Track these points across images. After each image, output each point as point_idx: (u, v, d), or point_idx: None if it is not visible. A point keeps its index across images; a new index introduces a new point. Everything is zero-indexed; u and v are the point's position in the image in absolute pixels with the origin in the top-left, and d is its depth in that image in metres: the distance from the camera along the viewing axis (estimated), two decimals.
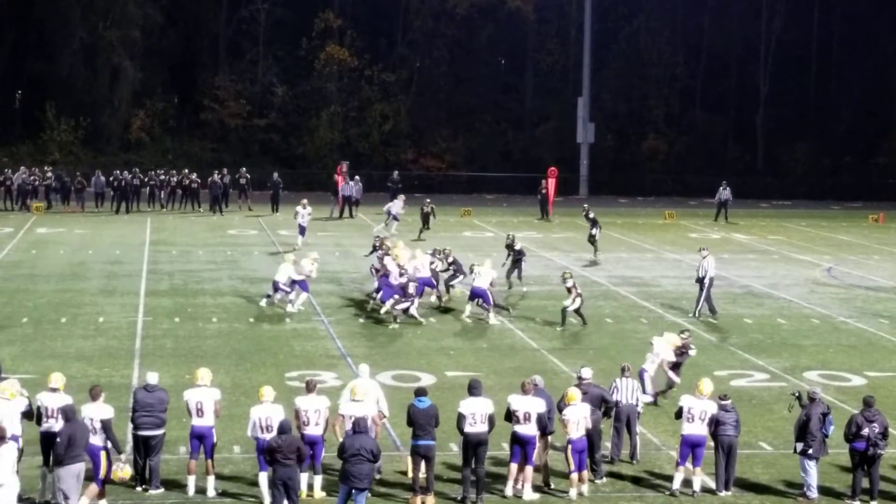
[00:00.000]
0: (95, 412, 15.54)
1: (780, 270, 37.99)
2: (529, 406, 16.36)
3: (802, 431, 16.62)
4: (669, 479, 16.98)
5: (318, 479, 16.23)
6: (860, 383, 23.20)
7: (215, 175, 49.96)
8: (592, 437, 16.88)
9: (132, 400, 17.06)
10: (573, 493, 16.44)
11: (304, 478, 15.84)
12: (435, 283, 29.67)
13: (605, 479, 17.19)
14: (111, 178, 49.42)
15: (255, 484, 16.10)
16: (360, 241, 39.69)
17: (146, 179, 50.44)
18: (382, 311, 27.68)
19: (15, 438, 15.20)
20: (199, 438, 16.18)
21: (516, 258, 32.19)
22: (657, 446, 18.91)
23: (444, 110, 69.90)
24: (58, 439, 14.86)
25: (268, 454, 15.11)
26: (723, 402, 16.90)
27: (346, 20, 68.09)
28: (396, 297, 27.43)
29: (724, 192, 52.48)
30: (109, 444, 15.54)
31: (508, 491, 16.45)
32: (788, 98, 70.93)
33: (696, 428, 16.72)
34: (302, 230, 39.58)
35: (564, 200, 56.82)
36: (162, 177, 51.10)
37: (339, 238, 42.47)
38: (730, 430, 16.77)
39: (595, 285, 33.89)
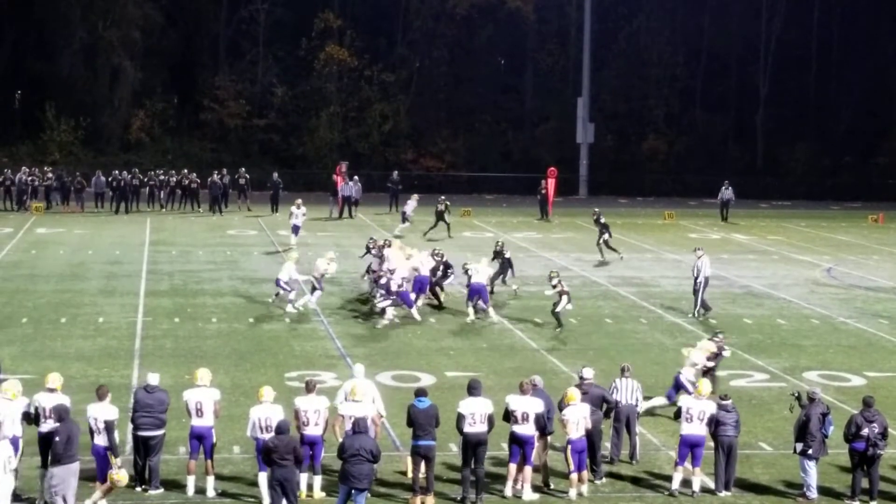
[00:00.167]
0: (100, 412, 15.55)
1: (780, 271, 37.98)
2: (527, 406, 16.37)
3: (802, 432, 16.62)
4: (669, 479, 16.99)
5: (318, 480, 16.24)
6: (860, 383, 23.21)
7: (215, 175, 49.93)
8: (593, 437, 16.89)
9: (132, 400, 17.09)
10: (573, 493, 16.45)
11: (303, 478, 15.86)
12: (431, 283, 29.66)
13: (604, 480, 17.20)
14: (110, 179, 49.42)
15: (254, 484, 16.11)
16: (360, 242, 39.44)
17: (146, 179, 50.41)
18: (377, 307, 27.84)
19: (15, 439, 15.20)
20: (199, 439, 16.19)
21: (503, 264, 32.08)
22: (657, 446, 18.92)
23: (443, 110, 69.83)
24: (56, 438, 14.83)
25: (264, 454, 15.12)
26: (723, 403, 16.91)
27: (345, 20, 68.03)
28: (383, 292, 27.53)
29: (727, 192, 52.50)
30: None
31: (508, 491, 16.46)
32: (788, 98, 70.88)
33: (695, 428, 16.74)
34: (295, 230, 39.57)
35: (564, 201, 56.84)
36: (161, 177, 51.04)
37: (339, 238, 42.42)
38: (730, 430, 16.78)
39: (595, 285, 33.91)
